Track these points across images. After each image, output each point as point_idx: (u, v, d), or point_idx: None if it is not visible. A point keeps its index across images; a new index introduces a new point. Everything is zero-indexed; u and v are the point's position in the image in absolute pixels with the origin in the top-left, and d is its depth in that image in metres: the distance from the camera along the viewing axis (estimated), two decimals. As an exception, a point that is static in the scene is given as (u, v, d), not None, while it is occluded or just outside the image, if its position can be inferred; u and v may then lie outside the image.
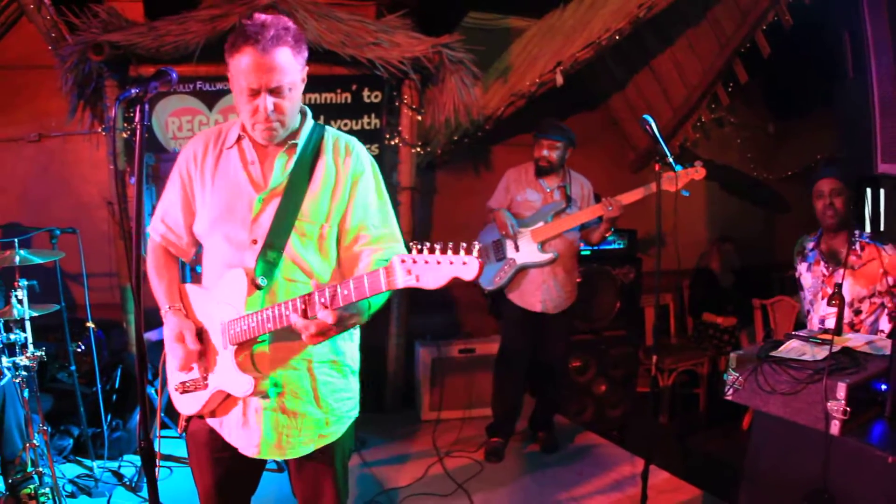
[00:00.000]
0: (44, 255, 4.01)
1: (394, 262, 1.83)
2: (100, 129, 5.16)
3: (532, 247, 4.66)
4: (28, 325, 3.76)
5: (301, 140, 2.30)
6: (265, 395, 2.24)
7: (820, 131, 6.95)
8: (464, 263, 1.78)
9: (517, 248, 4.69)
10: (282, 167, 2.27)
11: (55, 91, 4.89)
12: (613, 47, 5.53)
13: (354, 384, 2.45)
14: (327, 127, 2.42)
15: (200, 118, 5.10)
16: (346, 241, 2.33)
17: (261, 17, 2.12)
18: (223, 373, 2.22)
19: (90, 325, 4.56)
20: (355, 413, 2.46)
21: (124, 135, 4.89)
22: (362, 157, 2.38)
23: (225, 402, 2.30)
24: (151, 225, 2.49)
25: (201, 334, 2.29)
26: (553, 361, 4.99)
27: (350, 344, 2.43)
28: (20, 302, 3.73)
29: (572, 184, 4.78)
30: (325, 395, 2.32)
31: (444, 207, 5.40)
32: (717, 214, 7.61)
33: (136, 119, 1.99)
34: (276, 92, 2.13)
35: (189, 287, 2.40)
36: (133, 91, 1.97)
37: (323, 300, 1.96)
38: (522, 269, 4.70)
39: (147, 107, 1.97)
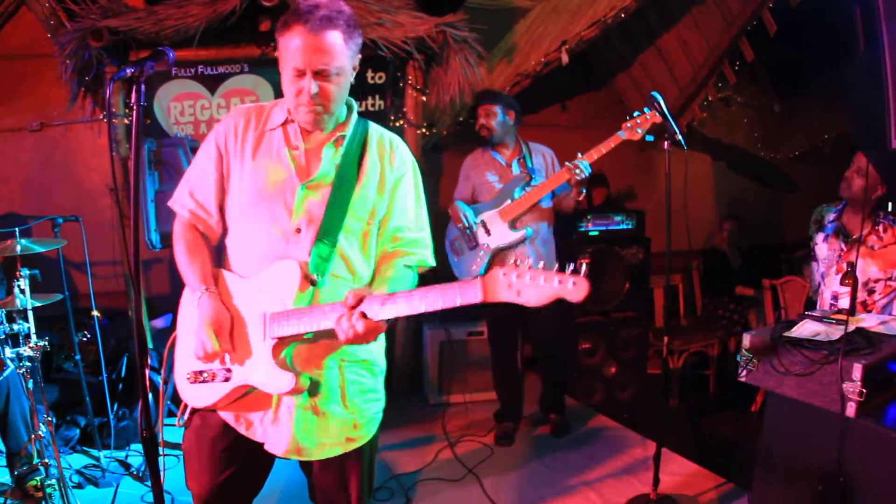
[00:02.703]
0: (46, 244, 3.96)
1: (495, 275, 1.81)
2: (101, 117, 5.12)
3: (502, 227, 4.51)
4: (31, 315, 3.72)
5: (348, 132, 2.25)
6: (300, 394, 2.17)
7: (827, 111, 6.88)
8: (573, 284, 1.73)
9: (488, 233, 4.55)
10: (329, 159, 2.21)
11: (56, 80, 4.83)
12: (619, 26, 5.46)
13: (381, 385, 2.42)
14: (369, 121, 2.36)
15: (203, 102, 5.06)
16: (380, 239, 2.32)
17: None
18: (257, 367, 2.13)
19: (95, 313, 4.53)
20: (381, 415, 2.42)
21: (125, 121, 4.85)
22: (406, 157, 2.36)
23: (247, 396, 2.20)
24: (177, 200, 2.33)
25: (232, 326, 2.20)
26: (548, 345, 4.93)
27: (379, 344, 2.40)
28: (22, 292, 3.70)
29: (532, 155, 4.68)
30: (352, 394, 2.28)
31: (450, 189, 5.35)
32: (726, 195, 7.56)
33: (133, 100, 1.91)
34: (321, 75, 2.07)
35: (225, 272, 2.27)
36: (128, 71, 1.91)
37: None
38: (499, 253, 4.54)
39: (143, 87, 1.91)
